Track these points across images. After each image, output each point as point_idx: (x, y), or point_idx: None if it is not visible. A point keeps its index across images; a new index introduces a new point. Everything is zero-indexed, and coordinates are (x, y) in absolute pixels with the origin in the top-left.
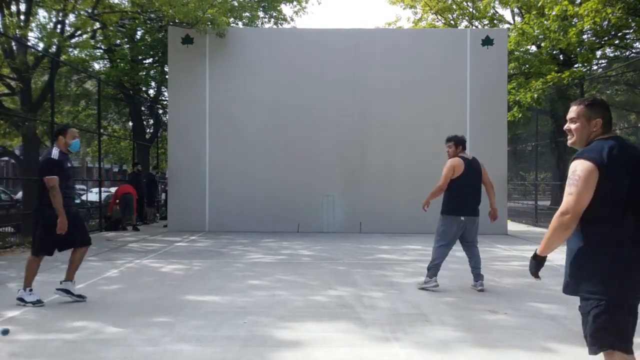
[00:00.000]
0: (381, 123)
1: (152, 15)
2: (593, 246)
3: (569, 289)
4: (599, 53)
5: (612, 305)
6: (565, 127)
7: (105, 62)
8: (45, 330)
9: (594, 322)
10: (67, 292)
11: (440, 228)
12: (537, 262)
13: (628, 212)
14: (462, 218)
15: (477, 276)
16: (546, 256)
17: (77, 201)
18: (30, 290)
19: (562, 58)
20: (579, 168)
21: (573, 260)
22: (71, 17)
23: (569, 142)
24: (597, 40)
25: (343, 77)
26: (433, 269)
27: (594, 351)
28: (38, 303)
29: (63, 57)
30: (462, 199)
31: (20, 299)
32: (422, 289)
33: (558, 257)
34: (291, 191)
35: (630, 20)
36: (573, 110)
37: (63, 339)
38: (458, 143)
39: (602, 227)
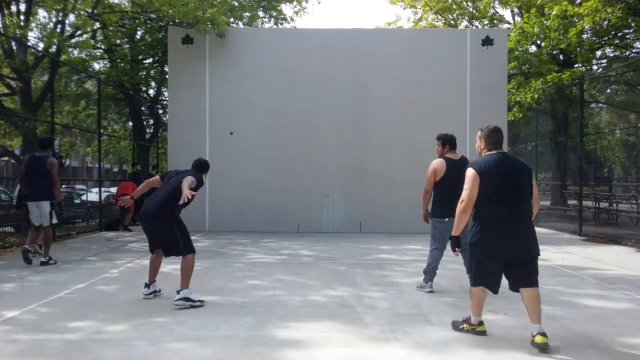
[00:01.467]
0: (381, 123)
1: (152, 15)
2: (477, 223)
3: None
4: (599, 53)
5: (483, 260)
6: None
7: (105, 62)
8: (45, 330)
9: (468, 268)
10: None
11: (431, 231)
12: (454, 241)
13: (497, 203)
14: (446, 219)
15: None
16: (459, 235)
17: (77, 201)
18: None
19: (562, 58)
20: (469, 173)
21: (469, 231)
22: (71, 17)
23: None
24: (597, 40)
25: (343, 77)
26: (429, 274)
27: (472, 284)
28: (200, 303)
29: (63, 57)
30: (446, 200)
31: (186, 299)
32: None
33: (556, 257)
34: (291, 191)
35: (630, 20)
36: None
37: (63, 339)
38: (445, 142)
39: (482, 212)
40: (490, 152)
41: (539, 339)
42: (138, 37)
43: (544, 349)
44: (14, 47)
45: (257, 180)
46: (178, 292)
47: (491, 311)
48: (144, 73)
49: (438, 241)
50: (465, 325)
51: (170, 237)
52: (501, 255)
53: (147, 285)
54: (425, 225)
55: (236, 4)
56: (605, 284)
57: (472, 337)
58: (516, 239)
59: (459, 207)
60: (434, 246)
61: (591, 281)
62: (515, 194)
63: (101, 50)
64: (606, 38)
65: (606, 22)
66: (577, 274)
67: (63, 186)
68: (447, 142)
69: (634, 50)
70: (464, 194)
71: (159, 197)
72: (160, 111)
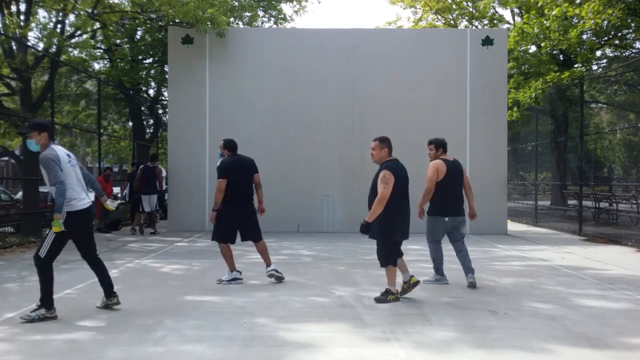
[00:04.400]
0: (381, 123)
1: (152, 15)
2: (389, 213)
3: (370, 234)
4: (599, 53)
5: (397, 243)
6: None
7: (105, 62)
8: (45, 330)
9: (381, 252)
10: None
11: (430, 229)
12: (366, 226)
13: (402, 196)
14: (446, 219)
15: (467, 269)
16: (371, 222)
17: None
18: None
19: (562, 58)
20: (386, 174)
21: (378, 220)
22: (71, 17)
23: (372, 160)
24: (597, 40)
25: (343, 77)
26: (438, 268)
27: (384, 265)
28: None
29: (63, 57)
30: (446, 200)
31: (276, 270)
32: (425, 282)
33: (556, 257)
34: (291, 191)
35: (630, 20)
36: (373, 143)
37: (63, 339)
38: (439, 146)
39: (393, 203)
40: (391, 158)
41: (413, 279)
42: (138, 37)
43: (416, 283)
44: (14, 47)
45: None
46: (267, 266)
47: (491, 311)
48: (144, 73)
49: (436, 238)
50: (390, 296)
51: (256, 223)
52: (404, 236)
53: (238, 272)
54: (425, 225)
55: (236, 3)
56: (605, 284)
57: (472, 337)
58: (408, 221)
59: (379, 202)
60: (431, 242)
61: (591, 281)
62: (407, 187)
63: (101, 50)
64: (606, 38)
65: (606, 23)
66: (577, 274)
67: None
68: (441, 145)
69: (634, 50)
70: (384, 192)
71: (247, 189)
72: (160, 111)
